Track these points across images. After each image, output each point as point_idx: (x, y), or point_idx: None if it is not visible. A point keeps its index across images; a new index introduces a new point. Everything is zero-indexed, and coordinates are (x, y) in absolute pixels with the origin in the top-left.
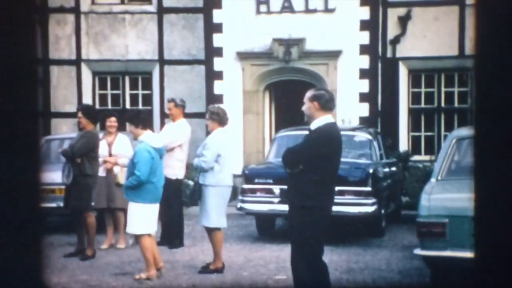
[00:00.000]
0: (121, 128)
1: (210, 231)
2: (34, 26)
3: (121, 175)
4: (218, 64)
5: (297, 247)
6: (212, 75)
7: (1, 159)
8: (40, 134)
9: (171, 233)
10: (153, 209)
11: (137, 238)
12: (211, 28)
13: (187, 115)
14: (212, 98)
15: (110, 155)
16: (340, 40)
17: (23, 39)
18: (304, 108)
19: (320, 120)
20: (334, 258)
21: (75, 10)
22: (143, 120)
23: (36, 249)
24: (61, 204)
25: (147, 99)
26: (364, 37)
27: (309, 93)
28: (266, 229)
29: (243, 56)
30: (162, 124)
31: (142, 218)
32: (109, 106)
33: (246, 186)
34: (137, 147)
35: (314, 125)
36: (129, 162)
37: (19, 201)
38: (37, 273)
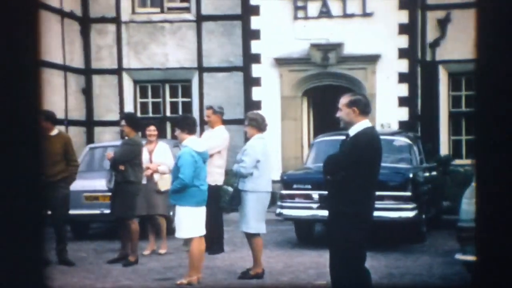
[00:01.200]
0: (161, 135)
1: (250, 236)
2: (36, 27)
3: (161, 182)
4: (256, 70)
5: (338, 253)
6: (250, 82)
7: (2, 162)
8: (41, 137)
9: (211, 239)
10: (200, 212)
11: (188, 242)
12: (249, 34)
13: (226, 122)
14: (250, 104)
15: (151, 162)
16: (378, 44)
17: (24, 40)
18: (341, 114)
19: (359, 125)
20: (374, 264)
21: (116, 20)
22: (189, 125)
23: (38, 251)
24: (104, 211)
25: (187, 107)
26: (403, 41)
27: (345, 99)
28: (305, 234)
29: (281, 62)
30: (202, 131)
31: (190, 221)
32: (150, 114)
33: (284, 192)
34: (181, 151)
35: (353, 131)
36: (174, 166)
37: (20, 204)
38: (38, 274)
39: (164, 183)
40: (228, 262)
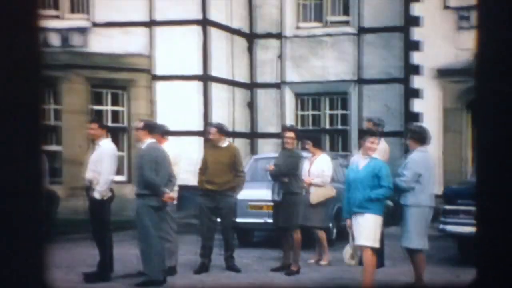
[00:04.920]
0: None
1: (412, 252)
2: (36, 32)
3: (313, 195)
4: (416, 82)
5: None
6: (411, 93)
7: (4, 166)
8: (41, 142)
9: None
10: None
11: (363, 251)
12: (410, 46)
13: (384, 134)
14: (411, 116)
15: (309, 174)
16: None
17: (25, 44)
18: None
19: None
20: None
21: (280, 35)
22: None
23: (39, 252)
24: (268, 220)
25: (345, 119)
26: None
27: None
28: (470, 252)
29: (442, 73)
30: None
31: (378, 231)
32: (309, 127)
33: (447, 207)
34: (378, 162)
35: None
36: (366, 176)
37: (21, 207)
38: (40, 274)
39: (316, 196)
40: (388, 277)
